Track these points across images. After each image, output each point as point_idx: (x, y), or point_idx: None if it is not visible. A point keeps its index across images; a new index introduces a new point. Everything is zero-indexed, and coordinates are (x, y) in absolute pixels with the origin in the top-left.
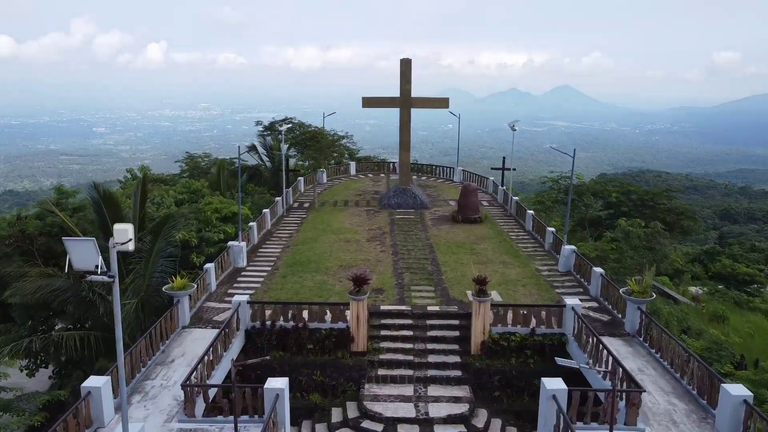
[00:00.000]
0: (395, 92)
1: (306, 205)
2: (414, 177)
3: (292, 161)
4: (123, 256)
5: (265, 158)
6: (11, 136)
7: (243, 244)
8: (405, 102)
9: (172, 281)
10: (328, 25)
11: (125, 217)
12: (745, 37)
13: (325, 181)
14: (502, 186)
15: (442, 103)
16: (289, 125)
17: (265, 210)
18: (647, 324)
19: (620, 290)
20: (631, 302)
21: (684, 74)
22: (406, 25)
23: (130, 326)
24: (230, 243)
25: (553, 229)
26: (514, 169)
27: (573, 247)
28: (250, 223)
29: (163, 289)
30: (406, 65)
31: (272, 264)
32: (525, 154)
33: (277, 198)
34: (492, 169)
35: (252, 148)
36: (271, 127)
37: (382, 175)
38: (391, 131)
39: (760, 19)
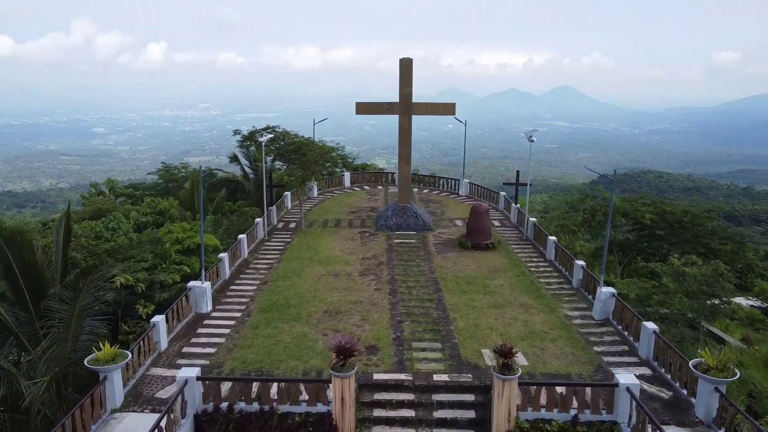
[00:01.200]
0: (395, 94)
1: (292, 225)
2: (415, 190)
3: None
4: (37, 315)
5: (248, 169)
6: (11, 136)
7: (207, 285)
8: (405, 108)
9: (103, 345)
10: (328, 25)
11: (38, 263)
12: (745, 37)
13: (315, 194)
14: (516, 204)
15: (447, 109)
16: (271, 135)
17: (241, 236)
18: (732, 413)
19: (689, 363)
20: (706, 381)
21: (684, 74)
22: (406, 25)
23: (45, 409)
24: (191, 284)
25: (582, 263)
26: (530, 185)
27: (612, 290)
28: (221, 255)
29: (85, 362)
30: (406, 66)
31: (244, 308)
32: (525, 154)
33: (258, 219)
34: (504, 184)
35: (234, 159)
36: (251, 137)
37: (380, 187)
38: (392, 131)
39: (761, 19)
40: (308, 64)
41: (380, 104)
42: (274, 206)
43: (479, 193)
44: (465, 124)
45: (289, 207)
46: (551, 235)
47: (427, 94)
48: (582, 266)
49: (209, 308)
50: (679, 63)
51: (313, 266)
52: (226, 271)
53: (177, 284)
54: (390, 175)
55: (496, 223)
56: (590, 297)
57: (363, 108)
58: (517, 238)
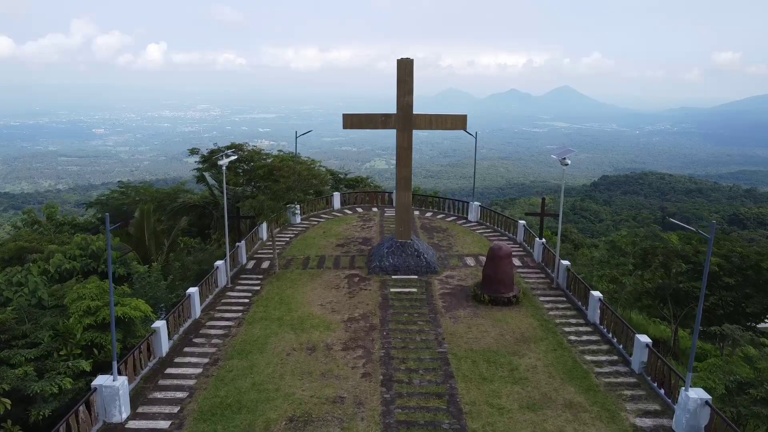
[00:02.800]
0: (394, 94)
1: (265, 264)
2: (416, 213)
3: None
4: None
5: (217, 191)
6: (10, 137)
7: (121, 381)
8: (405, 121)
9: None
10: (327, 25)
11: None
12: (745, 38)
13: (298, 221)
14: (541, 239)
15: (457, 122)
16: (234, 156)
17: (191, 289)
18: None
19: None
20: None
21: (684, 75)
22: (405, 26)
23: None
24: (97, 383)
25: (647, 340)
26: (557, 216)
27: (706, 395)
28: (156, 324)
29: None
30: (405, 68)
31: (177, 410)
32: (525, 155)
33: (218, 262)
34: (526, 214)
35: (201, 179)
36: (212, 158)
37: (375, 209)
38: (392, 131)
39: (761, 20)
40: (308, 65)
41: (373, 116)
42: (243, 241)
43: (492, 218)
44: (475, 137)
45: (265, 238)
46: (594, 289)
47: (426, 94)
48: (647, 344)
49: (124, 415)
50: (679, 63)
51: (282, 333)
52: (163, 346)
53: (84, 376)
54: (387, 195)
55: (516, 262)
56: (662, 392)
57: (352, 121)
58: (545, 284)
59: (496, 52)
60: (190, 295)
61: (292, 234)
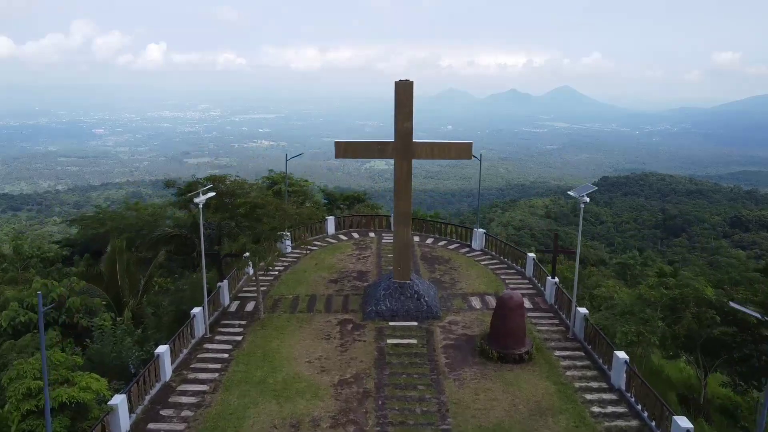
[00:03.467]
0: (393, 91)
1: (250, 306)
2: (416, 239)
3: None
4: None
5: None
6: (9, 137)
7: None
8: (404, 149)
9: None
10: (327, 25)
11: None
12: (745, 38)
13: (288, 250)
14: (554, 278)
15: (461, 150)
16: (212, 194)
17: (161, 349)
18: None
19: None
20: None
21: (684, 75)
22: (405, 26)
23: None
24: None
25: (688, 425)
26: (573, 252)
27: None
28: (114, 400)
29: None
30: (404, 91)
31: None
32: (525, 155)
33: (195, 310)
34: (537, 251)
35: (184, 205)
36: (189, 190)
37: (372, 234)
38: (392, 131)
39: (760, 20)
40: (308, 65)
41: (369, 145)
42: (226, 281)
43: (497, 247)
44: (480, 164)
45: (251, 273)
46: (618, 349)
47: (426, 94)
48: (688, 431)
49: None
50: (679, 63)
51: (264, 402)
52: (122, 425)
53: None
54: (385, 218)
55: (527, 304)
56: None
57: (346, 150)
58: (559, 333)
59: (496, 52)
60: (159, 355)
61: (282, 266)
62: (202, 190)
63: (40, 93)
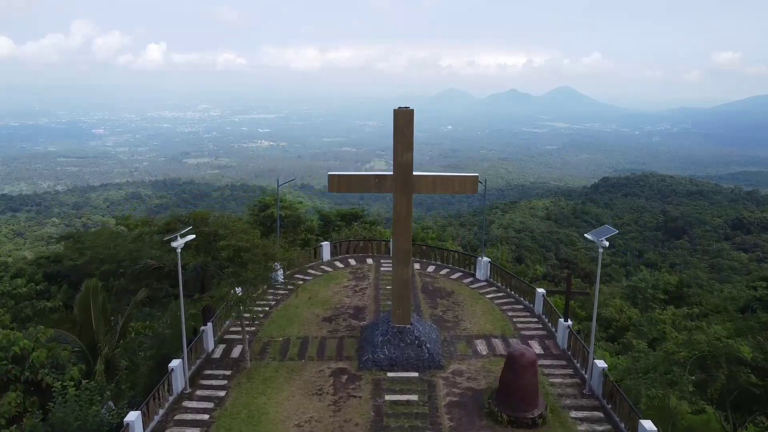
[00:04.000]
0: (393, 97)
1: (236, 351)
2: (416, 267)
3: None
4: None
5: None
6: (9, 137)
7: None
8: (403, 183)
9: None
10: (327, 25)
11: None
12: (745, 38)
13: (280, 279)
14: (566, 321)
15: (466, 185)
16: (190, 237)
17: (131, 416)
18: None
19: None
20: None
21: (684, 75)
22: (405, 26)
23: None
24: None
25: None
26: (586, 294)
27: None
28: None
29: None
30: (404, 119)
31: None
32: (525, 156)
33: (174, 363)
34: (549, 292)
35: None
36: (168, 230)
37: (369, 260)
38: (392, 131)
39: (760, 20)
40: (308, 65)
41: (365, 178)
42: (210, 324)
43: (503, 278)
44: (485, 185)
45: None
46: (644, 416)
47: (426, 94)
48: None
49: None
50: (679, 63)
51: None
52: None
53: None
54: (383, 243)
55: (536, 347)
56: None
57: (340, 183)
58: (574, 387)
59: (496, 52)
60: (128, 425)
61: (273, 299)
62: (180, 233)
63: (40, 93)
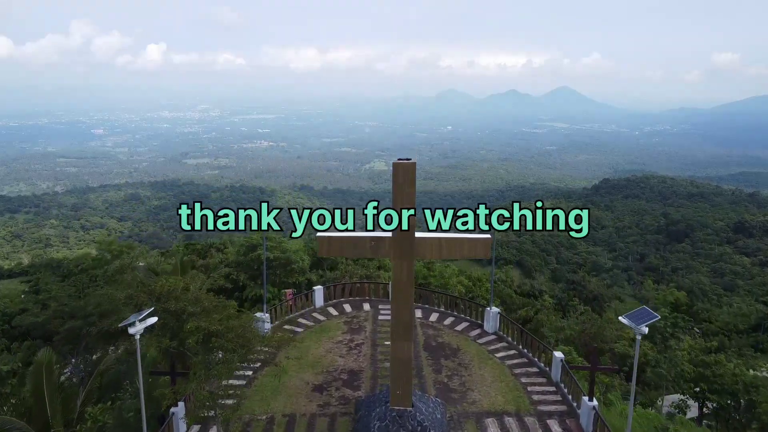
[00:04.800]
0: (393, 97)
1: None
2: (418, 315)
3: None
4: None
5: None
6: (9, 138)
7: None
8: (404, 246)
9: None
10: (326, 26)
11: None
12: (744, 38)
13: (267, 329)
14: (591, 401)
15: (477, 247)
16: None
17: None
18: None
19: None
20: None
21: (684, 75)
22: (405, 26)
23: None
24: None
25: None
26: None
27: None
28: None
29: None
30: (405, 173)
31: None
32: (525, 156)
33: None
34: (573, 368)
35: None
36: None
37: (366, 307)
38: (392, 132)
39: (760, 20)
40: (307, 65)
41: (359, 240)
42: (182, 404)
43: (514, 333)
44: (493, 248)
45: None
46: None
47: (426, 95)
48: None
49: None
50: (679, 64)
51: None
52: None
53: None
54: (381, 286)
55: (556, 429)
56: None
57: (331, 246)
58: None
59: (496, 53)
60: None
61: (257, 363)
62: (138, 318)
63: (40, 94)
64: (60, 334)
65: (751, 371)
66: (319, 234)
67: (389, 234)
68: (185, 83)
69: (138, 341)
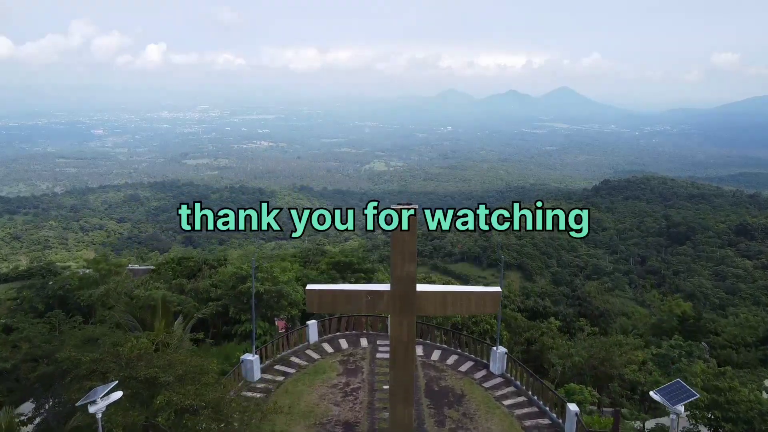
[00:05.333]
0: (393, 97)
1: None
2: (419, 351)
3: None
4: None
5: None
6: (8, 138)
7: None
8: (404, 301)
9: None
10: (326, 26)
11: None
12: (744, 38)
13: (257, 377)
14: None
15: (485, 303)
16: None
17: None
18: None
19: None
20: None
21: (683, 75)
22: (404, 26)
23: None
24: None
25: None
26: None
27: None
28: None
29: None
30: (405, 227)
31: None
32: (524, 156)
33: None
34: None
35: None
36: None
37: (364, 342)
38: (391, 132)
39: (760, 21)
40: (307, 65)
41: (354, 294)
42: None
43: (523, 375)
44: (502, 276)
45: None
46: None
47: (426, 95)
48: None
49: None
50: (679, 64)
51: None
52: None
53: None
54: (379, 318)
55: None
56: None
57: (322, 300)
58: None
59: (496, 53)
60: None
61: (245, 405)
62: (98, 396)
63: (39, 94)
64: (29, 380)
65: (765, 394)
66: (308, 287)
67: (387, 287)
68: (185, 83)
69: (100, 420)
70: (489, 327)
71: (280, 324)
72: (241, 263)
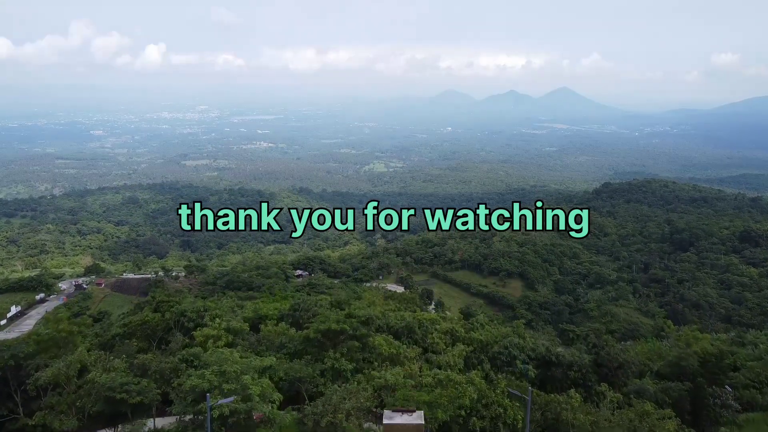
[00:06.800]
0: (393, 97)
1: None
2: None
3: None
4: None
5: None
6: (8, 139)
7: None
8: None
9: None
10: (326, 27)
11: None
12: (744, 39)
13: None
14: None
15: None
16: None
17: None
18: None
19: None
20: None
21: (683, 76)
22: (404, 27)
23: None
24: None
25: None
26: None
27: None
28: None
29: None
30: None
31: None
32: (524, 157)
33: None
34: None
35: None
36: None
37: None
38: (391, 133)
39: (760, 21)
40: (307, 66)
41: None
42: None
43: None
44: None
45: None
46: None
47: (426, 95)
48: None
49: None
50: (678, 65)
51: None
52: None
53: None
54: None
55: None
56: None
57: None
58: None
59: (495, 53)
60: None
61: None
62: None
63: (39, 94)
64: None
65: None
66: None
67: None
68: (185, 84)
69: None
70: (502, 411)
71: None
72: (208, 360)
